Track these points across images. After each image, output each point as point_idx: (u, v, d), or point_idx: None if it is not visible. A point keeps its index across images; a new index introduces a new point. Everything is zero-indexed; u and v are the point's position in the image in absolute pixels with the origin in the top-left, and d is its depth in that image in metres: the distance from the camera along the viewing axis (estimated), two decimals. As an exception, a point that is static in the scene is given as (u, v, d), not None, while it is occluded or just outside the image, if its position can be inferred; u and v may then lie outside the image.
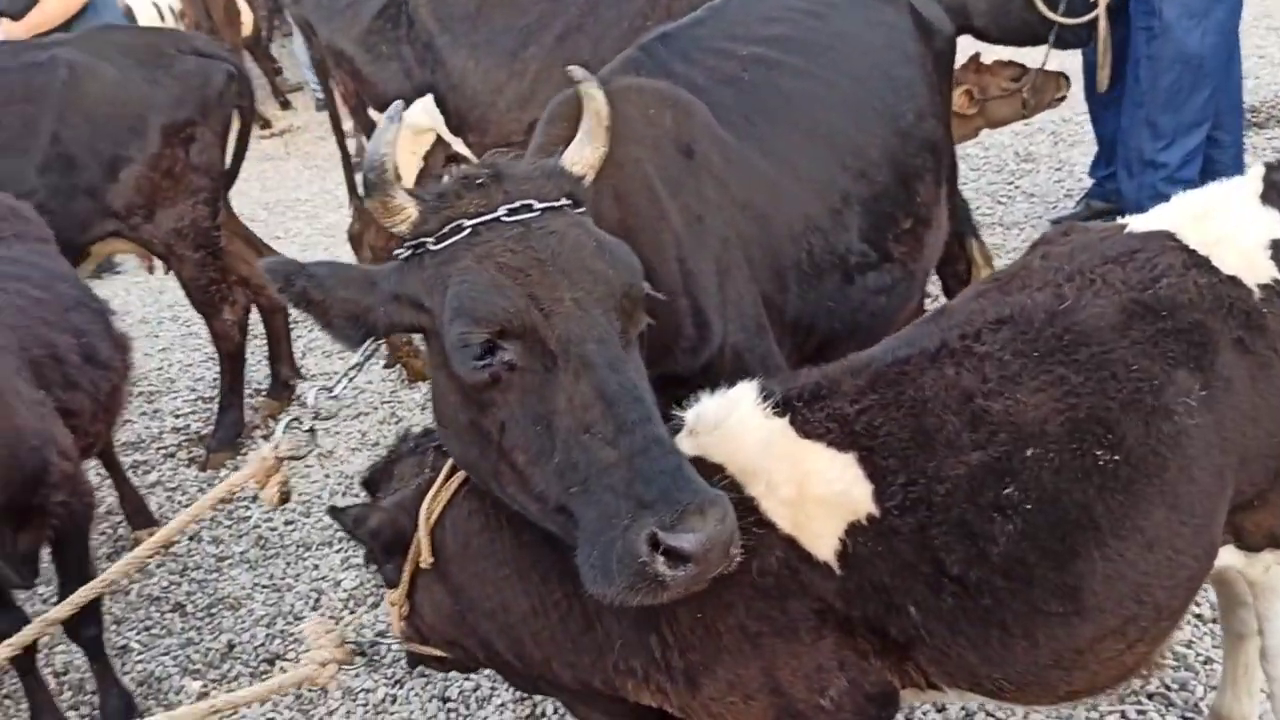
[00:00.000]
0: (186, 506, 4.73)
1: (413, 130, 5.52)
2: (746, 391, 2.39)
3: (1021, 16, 5.26)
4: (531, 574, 2.41)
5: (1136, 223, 2.51)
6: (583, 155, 2.36)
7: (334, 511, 2.50)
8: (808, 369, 2.49)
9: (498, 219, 2.19)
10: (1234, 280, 2.34)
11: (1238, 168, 5.22)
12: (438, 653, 2.61)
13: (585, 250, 2.19)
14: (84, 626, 3.96)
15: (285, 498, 2.44)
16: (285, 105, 13.12)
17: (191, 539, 5.22)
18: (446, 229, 2.20)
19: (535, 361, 2.10)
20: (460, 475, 2.49)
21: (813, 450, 2.30)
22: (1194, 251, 2.38)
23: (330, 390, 2.45)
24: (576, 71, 2.39)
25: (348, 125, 6.16)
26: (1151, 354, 2.25)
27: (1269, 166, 2.57)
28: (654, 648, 2.35)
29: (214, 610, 4.76)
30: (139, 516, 5.23)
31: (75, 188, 5.30)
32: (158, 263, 6.17)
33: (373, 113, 5.59)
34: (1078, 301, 2.31)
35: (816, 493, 2.28)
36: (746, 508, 2.27)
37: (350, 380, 2.50)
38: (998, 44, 5.64)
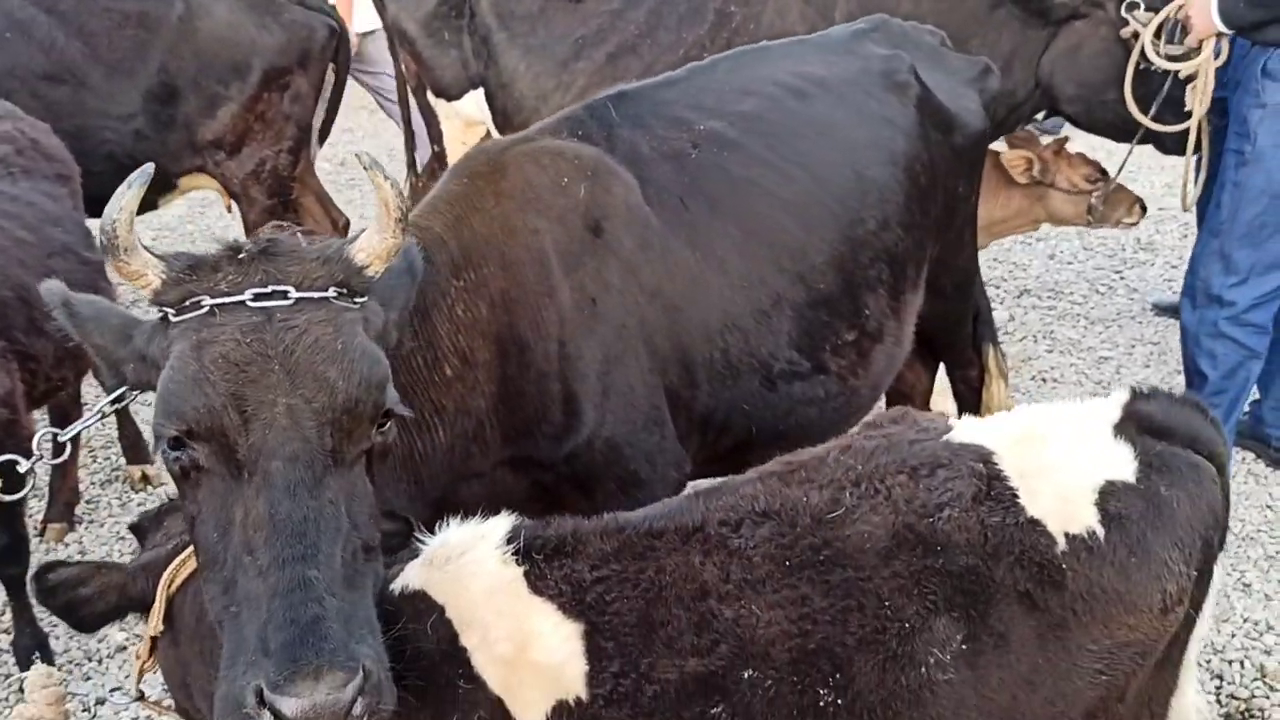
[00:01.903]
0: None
1: (464, 122, 5.45)
2: (494, 529, 2.21)
3: (1115, 110, 4.79)
4: None
5: (962, 428, 2.21)
6: (371, 244, 2.19)
7: (40, 573, 2.38)
8: (564, 518, 2.28)
9: (242, 302, 2.05)
10: (1034, 524, 2.03)
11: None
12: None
13: (321, 353, 2.01)
14: (5, 565, 4.06)
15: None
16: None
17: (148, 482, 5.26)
18: (187, 303, 2.07)
19: (222, 466, 1.97)
20: None
21: (540, 610, 2.11)
22: (1000, 480, 2.07)
23: (59, 437, 2.38)
24: (365, 157, 2.22)
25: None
26: (910, 592, 1.98)
27: (1134, 393, 2.22)
28: None
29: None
30: (134, 451, 5.34)
31: (173, 119, 5.45)
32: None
33: (430, 97, 5.53)
34: (851, 513, 2.05)
35: (534, 659, 2.10)
36: (458, 658, 2.11)
37: (87, 427, 2.41)
38: (1090, 132, 5.17)
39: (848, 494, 2.09)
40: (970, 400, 4.47)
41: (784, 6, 4.84)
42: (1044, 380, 5.66)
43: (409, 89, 5.63)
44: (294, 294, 2.05)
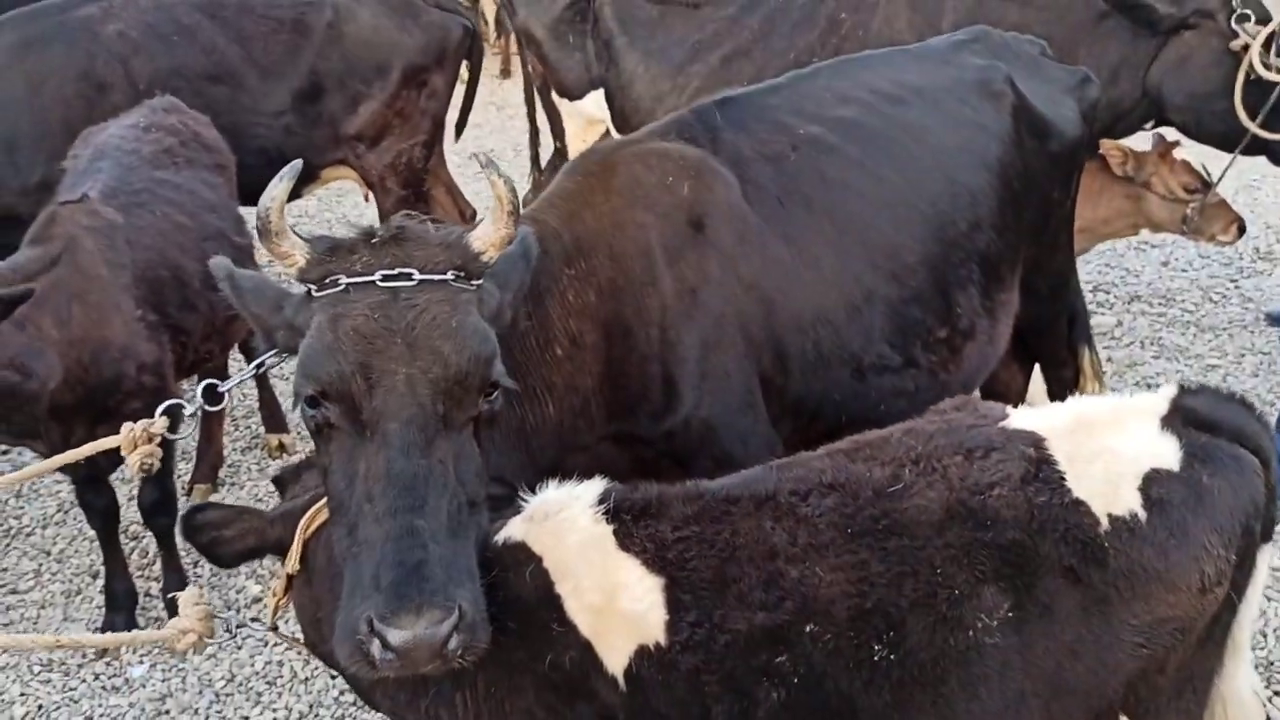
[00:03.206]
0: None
1: (585, 120, 5.73)
2: (587, 491, 2.46)
3: (1224, 120, 4.84)
4: None
5: (1018, 415, 2.38)
6: (486, 234, 2.46)
7: (187, 516, 2.69)
8: (651, 484, 2.51)
9: (372, 282, 2.34)
10: (1079, 505, 2.20)
11: None
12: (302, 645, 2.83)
13: (438, 330, 2.28)
14: (155, 515, 4.48)
15: (147, 470, 2.70)
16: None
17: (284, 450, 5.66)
18: (326, 280, 2.36)
19: (349, 425, 2.26)
20: None
21: (627, 565, 2.36)
22: (1049, 464, 2.24)
23: (219, 388, 2.70)
24: (483, 157, 2.48)
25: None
26: (960, 562, 2.17)
27: (1182, 389, 2.37)
28: (457, 705, 2.48)
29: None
30: (272, 420, 5.75)
31: (320, 115, 5.89)
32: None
33: (555, 96, 5.81)
34: (909, 488, 2.24)
35: (621, 607, 2.34)
36: (553, 604, 2.36)
37: (244, 380, 2.72)
38: (1198, 141, 5.20)
39: (907, 471, 2.28)
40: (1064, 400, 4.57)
41: (892, 14, 5.00)
42: (1147, 386, 5.69)
43: (534, 88, 5.91)
44: (417, 276, 2.33)
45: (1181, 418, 2.31)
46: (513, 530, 2.47)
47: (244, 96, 5.65)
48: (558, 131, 5.98)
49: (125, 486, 5.08)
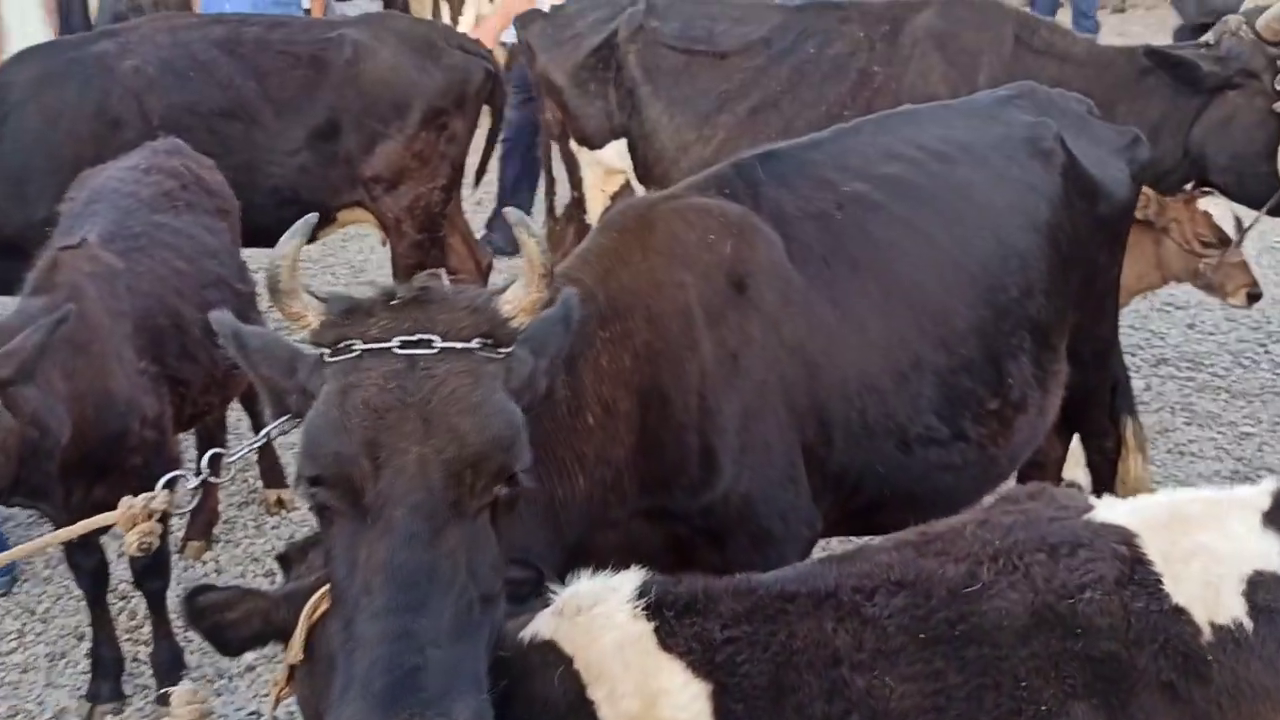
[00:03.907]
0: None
1: (605, 170, 5.57)
2: (625, 582, 2.23)
3: (1269, 183, 4.69)
4: None
5: (1103, 507, 2.17)
6: (518, 297, 2.25)
7: (188, 600, 2.47)
8: (696, 576, 2.29)
9: (389, 349, 2.13)
10: (1179, 612, 1.99)
11: None
12: None
13: (457, 405, 2.07)
14: (147, 578, 4.24)
15: (146, 549, 2.49)
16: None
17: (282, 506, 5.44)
18: (340, 345, 2.15)
19: (351, 509, 2.04)
20: None
21: (669, 668, 2.12)
22: (1143, 564, 2.03)
23: (226, 456, 2.49)
24: (512, 214, 2.29)
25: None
26: (1048, 675, 1.95)
27: None
28: None
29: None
30: (271, 475, 5.52)
31: (336, 154, 5.70)
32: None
33: (573, 144, 5.65)
34: (988, 588, 2.03)
35: (661, 716, 2.10)
36: (585, 711, 2.13)
37: (252, 450, 2.53)
38: (1241, 204, 5.04)
39: (985, 569, 2.06)
40: (1105, 472, 4.38)
41: (927, 69, 4.85)
42: (1181, 454, 5.51)
43: (552, 136, 5.76)
44: (439, 343, 2.11)
45: None
46: (540, 626, 2.23)
47: (259, 134, 5.50)
48: (575, 180, 5.82)
49: (115, 542, 4.84)
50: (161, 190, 4.57)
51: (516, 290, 2.24)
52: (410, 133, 5.75)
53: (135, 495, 3.94)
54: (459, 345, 2.13)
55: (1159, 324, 6.91)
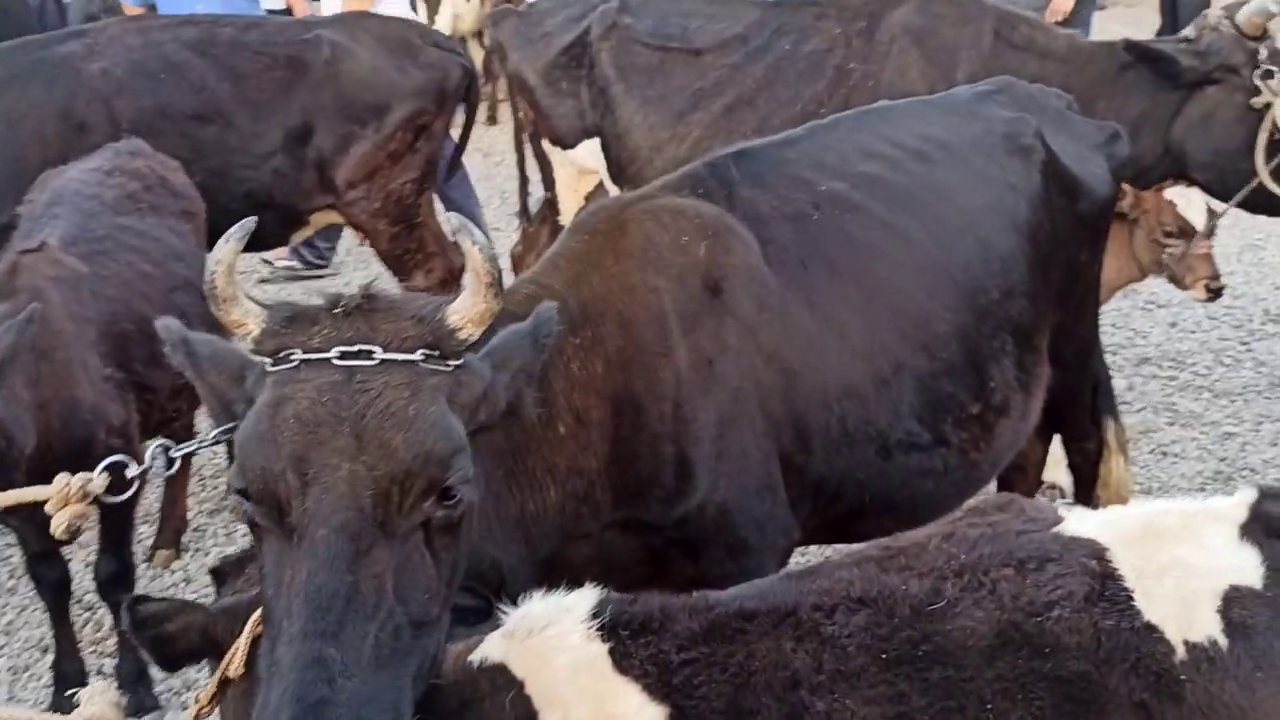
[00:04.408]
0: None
1: (578, 170, 5.48)
2: (578, 602, 2.12)
3: (1248, 180, 4.63)
4: None
5: (1073, 520, 2.10)
6: (464, 308, 2.13)
7: (130, 608, 2.27)
8: (653, 595, 2.20)
9: (328, 359, 2.02)
10: (1152, 630, 1.91)
11: None
12: None
13: (392, 420, 1.96)
14: (112, 588, 4.14)
15: (73, 534, 2.40)
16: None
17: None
18: (280, 354, 2.05)
19: (278, 525, 1.95)
20: None
21: (625, 691, 2.02)
22: (1115, 580, 1.95)
23: (171, 452, 2.41)
24: (454, 219, 2.19)
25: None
26: (1015, 697, 1.87)
27: (1263, 493, 2.09)
28: None
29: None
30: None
31: (308, 157, 5.58)
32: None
33: (545, 144, 5.57)
34: (953, 606, 1.94)
35: (617, 741, 2.02)
36: None
37: (200, 449, 2.45)
38: (1224, 202, 4.99)
39: (949, 585, 1.98)
40: (1087, 474, 4.33)
41: (904, 65, 4.79)
42: (1164, 454, 5.46)
43: (524, 135, 5.67)
44: (379, 354, 2.01)
45: (1263, 526, 2.03)
46: (490, 649, 2.10)
47: (232, 137, 5.38)
48: (548, 181, 5.73)
49: (82, 552, 4.75)
50: (125, 192, 4.47)
51: (464, 300, 2.13)
52: (387, 133, 5.65)
53: (105, 508, 3.87)
54: (400, 357, 2.02)
55: (1141, 323, 6.87)
